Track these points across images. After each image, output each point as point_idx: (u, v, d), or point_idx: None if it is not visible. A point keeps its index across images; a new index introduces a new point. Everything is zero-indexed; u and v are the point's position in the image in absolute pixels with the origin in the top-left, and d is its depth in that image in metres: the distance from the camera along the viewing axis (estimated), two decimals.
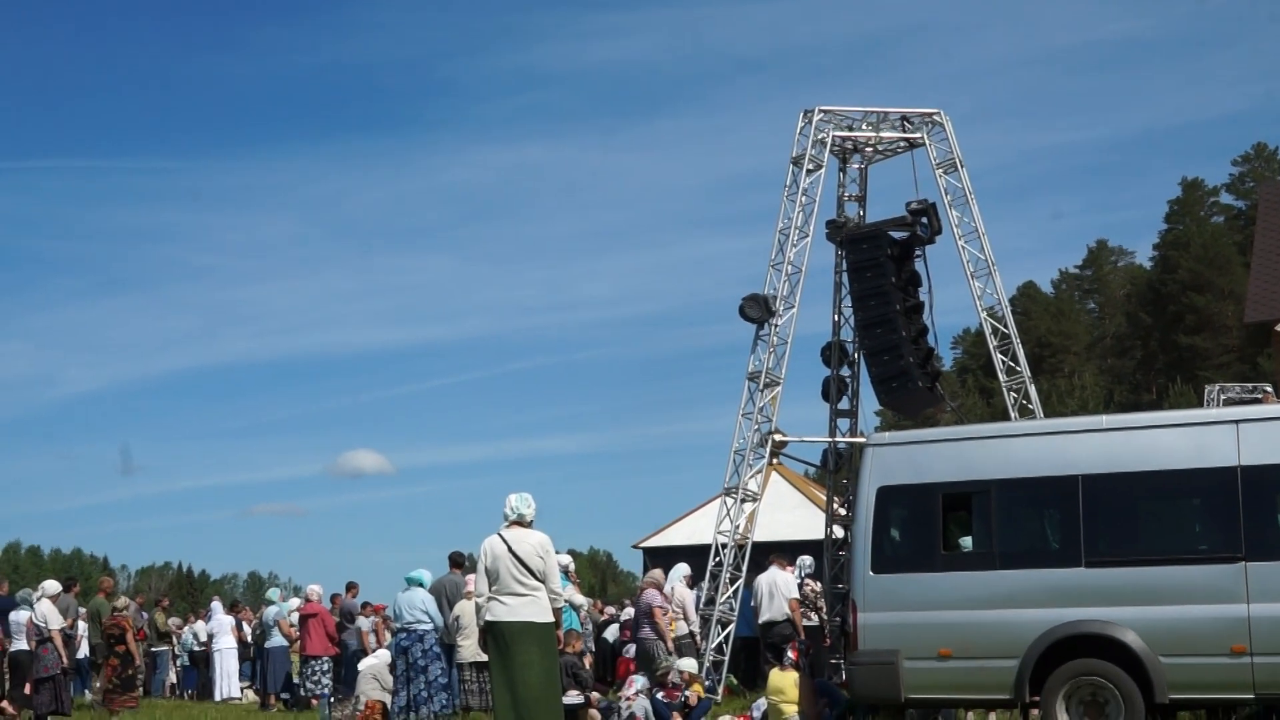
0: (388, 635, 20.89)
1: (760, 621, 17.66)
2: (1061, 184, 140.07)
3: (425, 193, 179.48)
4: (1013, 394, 20.49)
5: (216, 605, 26.93)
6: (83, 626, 24.00)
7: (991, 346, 20.79)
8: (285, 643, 21.90)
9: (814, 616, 19.01)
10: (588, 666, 18.07)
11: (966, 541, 12.92)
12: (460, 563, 18.47)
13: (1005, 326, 20.66)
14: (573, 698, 14.46)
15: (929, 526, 12.68)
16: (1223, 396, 27.66)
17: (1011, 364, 20.60)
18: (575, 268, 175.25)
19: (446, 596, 17.39)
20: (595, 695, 15.77)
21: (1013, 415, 20.04)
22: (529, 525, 10.54)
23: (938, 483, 12.62)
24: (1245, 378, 49.65)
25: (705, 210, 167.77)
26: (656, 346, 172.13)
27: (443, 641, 17.19)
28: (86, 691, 23.74)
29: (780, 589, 17.78)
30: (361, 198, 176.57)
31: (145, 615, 26.40)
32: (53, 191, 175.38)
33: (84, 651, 24.44)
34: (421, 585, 17.33)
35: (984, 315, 20.67)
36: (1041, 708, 11.73)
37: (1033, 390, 20.52)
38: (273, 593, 24.48)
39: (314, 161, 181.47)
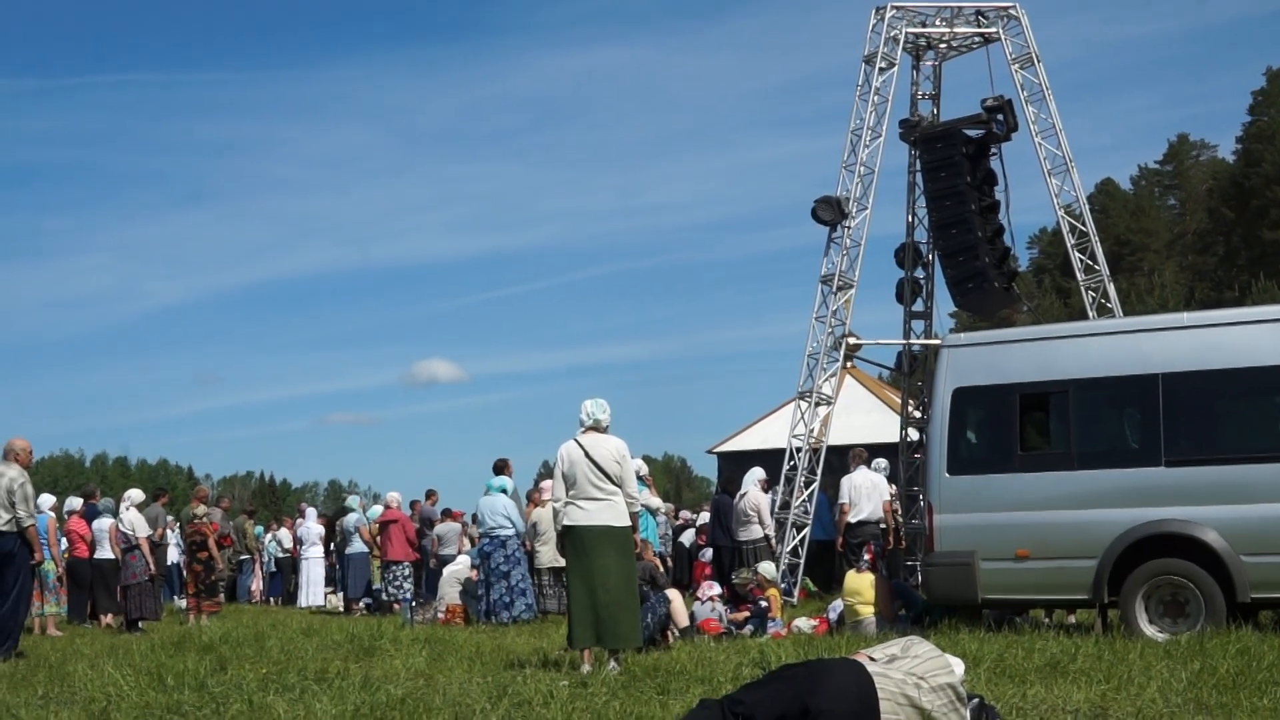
0: (468, 542, 21.22)
1: (855, 520, 17.74)
2: (1141, 77, 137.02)
3: (496, 99, 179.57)
4: (1091, 293, 20.20)
5: (311, 512, 27.27)
6: (172, 535, 24.56)
7: (1069, 245, 20.47)
8: (365, 549, 22.26)
9: (890, 519, 19.04)
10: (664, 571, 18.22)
11: (1043, 442, 12.82)
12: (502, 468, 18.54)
13: (1083, 224, 20.32)
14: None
15: (1006, 427, 12.60)
16: None
17: (1089, 263, 20.29)
18: (647, 172, 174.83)
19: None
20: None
21: (1091, 315, 19.77)
22: (605, 430, 10.58)
23: (1015, 383, 12.52)
24: None
25: (777, 112, 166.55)
26: (729, 250, 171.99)
27: (525, 546, 17.42)
28: (176, 598, 24.32)
29: (877, 490, 17.90)
30: (433, 106, 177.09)
31: (231, 522, 26.93)
32: (130, 106, 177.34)
33: (174, 558, 25.03)
34: (504, 492, 17.52)
35: (1061, 213, 20.34)
36: (1120, 608, 11.68)
37: (1111, 289, 20.21)
38: (352, 500, 24.84)
39: (386, 70, 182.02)
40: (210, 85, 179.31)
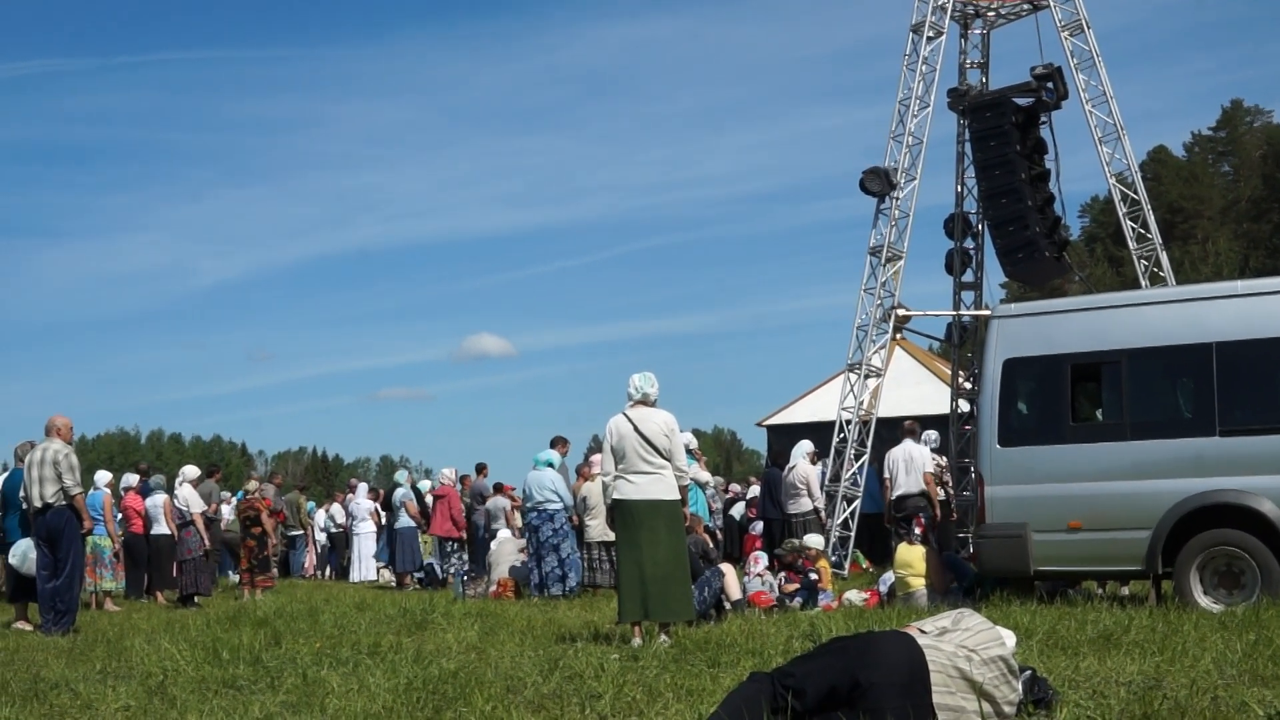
0: (518, 516, 21.30)
1: (895, 495, 17.63)
2: (1194, 42, 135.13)
3: (544, 72, 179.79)
4: (1143, 262, 20.01)
5: (362, 488, 27.40)
6: (226, 510, 24.79)
7: (1121, 214, 20.28)
8: (413, 524, 22.40)
9: (940, 491, 18.95)
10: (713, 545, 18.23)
11: (1096, 413, 12.71)
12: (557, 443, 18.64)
13: (1135, 192, 20.12)
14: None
15: (1057, 398, 12.50)
16: None
17: (1142, 231, 20.08)
18: (695, 145, 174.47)
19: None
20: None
21: (1143, 284, 19.59)
22: (653, 404, 10.57)
23: (1066, 354, 12.41)
24: None
25: (824, 82, 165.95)
26: (777, 222, 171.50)
27: (572, 520, 17.48)
28: (231, 573, 24.58)
29: (915, 462, 17.77)
30: (481, 80, 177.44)
31: (284, 498, 27.14)
32: (182, 83, 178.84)
33: None
34: (551, 466, 17.60)
35: (1113, 181, 20.13)
36: (1175, 579, 11.59)
37: (1164, 258, 20.01)
38: (400, 475, 24.96)
39: (433, 45, 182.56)
40: (260, 63, 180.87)
